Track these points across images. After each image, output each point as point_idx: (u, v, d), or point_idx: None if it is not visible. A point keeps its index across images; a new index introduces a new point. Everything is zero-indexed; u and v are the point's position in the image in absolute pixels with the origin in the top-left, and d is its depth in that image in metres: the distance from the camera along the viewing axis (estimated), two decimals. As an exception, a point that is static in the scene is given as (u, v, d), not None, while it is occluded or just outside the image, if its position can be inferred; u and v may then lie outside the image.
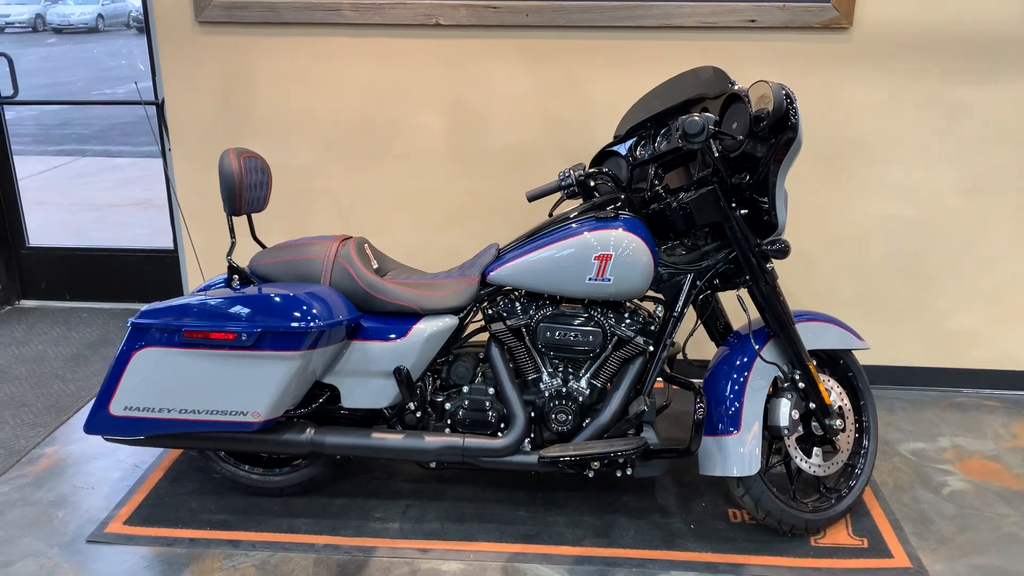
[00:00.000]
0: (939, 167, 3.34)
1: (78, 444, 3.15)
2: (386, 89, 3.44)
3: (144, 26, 3.62)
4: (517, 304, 2.61)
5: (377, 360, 2.58)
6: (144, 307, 2.47)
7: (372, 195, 3.58)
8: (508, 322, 2.60)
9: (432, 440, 2.59)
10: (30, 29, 24.71)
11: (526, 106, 3.42)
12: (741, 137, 2.37)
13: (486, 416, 2.64)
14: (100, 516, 2.76)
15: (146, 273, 4.35)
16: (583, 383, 2.63)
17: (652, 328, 2.59)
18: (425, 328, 2.59)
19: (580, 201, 2.75)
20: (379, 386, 2.61)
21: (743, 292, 2.61)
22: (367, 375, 2.60)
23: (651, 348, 2.60)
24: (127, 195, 7.06)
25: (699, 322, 2.75)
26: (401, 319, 2.61)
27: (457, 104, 3.44)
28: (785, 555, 2.58)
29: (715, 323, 2.78)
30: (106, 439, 2.59)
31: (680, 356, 2.81)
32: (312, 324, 2.39)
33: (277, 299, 2.43)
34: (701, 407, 2.51)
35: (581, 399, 2.61)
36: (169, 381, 2.45)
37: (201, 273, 3.49)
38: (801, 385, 2.60)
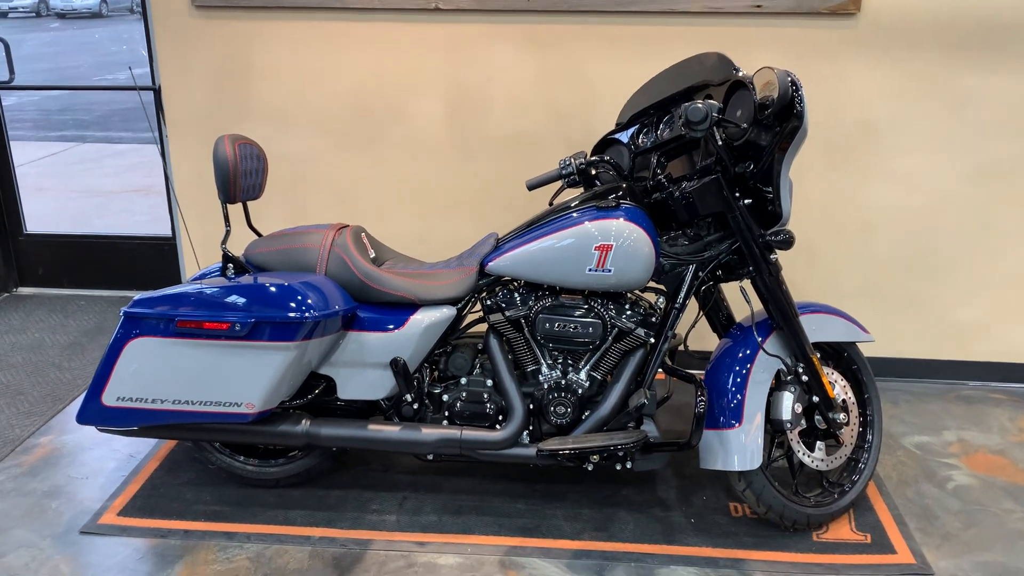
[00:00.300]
0: (947, 155, 3.29)
1: (73, 433, 3.12)
2: (385, 75, 3.39)
3: (142, 11, 3.57)
4: (516, 295, 2.57)
5: (373, 351, 2.54)
6: (137, 296, 2.44)
7: (371, 183, 3.53)
8: (507, 313, 2.56)
9: (429, 432, 2.55)
10: (33, 14, 24.64)
11: (527, 92, 3.36)
12: (745, 125, 2.32)
13: (484, 408, 2.60)
14: (94, 507, 2.73)
15: (144, 260, 4.31)
16: (583, 375, 2.58)
17: (653, 320, 2.55)
18: (422, 319, 2.55)
19: (581, 190, 2.70)
20: (375, 377, 2.57)
21: (746, 283, 2.56)
22: (363, 366, 2.56)
23: (652, 340, 2.56)
24: (128, 181, 7.02)
25: (701, 313, 2.71)
26: (398, 309, 2.57)
27: (457, 90, 3.39)
28: (787, 550, 2.54)
29: (717, 315, 2.74)
30: (99, 430, 2.56)
31: (682, 347, 2.77)
32: (307, 314, 2.35)
33: (272, 289, 2.39)
34: (702, 400, 2.47)
35: (580, 391, 2.57)
36: (162, 371, 2.41)
37: (197, 261, 3.45)
38: (804, 378, 2.55)
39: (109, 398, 2.45)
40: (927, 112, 3.25)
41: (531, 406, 2.59)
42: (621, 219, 2.45)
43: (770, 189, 2.38)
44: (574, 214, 2.50)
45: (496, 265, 2.55)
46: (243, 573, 2.44)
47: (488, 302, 2.59)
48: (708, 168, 2.44)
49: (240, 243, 2.78)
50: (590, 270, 2.46)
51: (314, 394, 2.61)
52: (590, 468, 2.58)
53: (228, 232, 2.55)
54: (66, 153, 8.10)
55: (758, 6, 3.14)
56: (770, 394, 2.55)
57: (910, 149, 3.29)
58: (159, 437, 2.60)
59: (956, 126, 3.25)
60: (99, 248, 4.35)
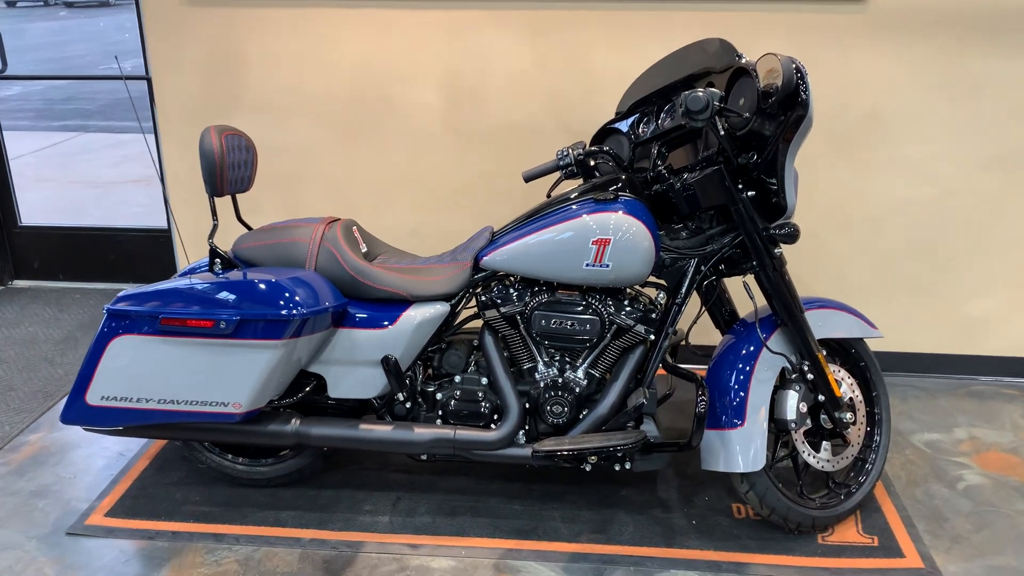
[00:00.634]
0: (958, 144, 3.19)
1: (63, 431, 3.07)
2: (380, 63, 3.30)
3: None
4: (511, 290, 2.49)
5: (364, 348, 2.47)
6: (121, 292, 2.37)
7: (367, 174, 3.45)
8: (502, 309, 2.48)
9: (422, 432, 2.48)
10: (42, 3, 24.64)
11: (527, 81, 3.27)
12: (747, 114, 2.23)
13: (479, 407, 2.53)
14: (82, 507, 2.67)
15: (140, 253, 4.25)
16: (580, 373, 2.51)
17: (653, 316, 2.46)
18: (415, 315, 2.47)
19: (580, 181, 2.62)
20: (367, 375, 2.50)
21: (750, 278, 2.47)
22: (354, 364, 2.49)
23: (652, 337, 2.47)
24: (128, 172, 6.96)
25: (703, 309, 2.62)
26: (390, 306, 2.49)
27: (454, 79, 3.30)
28: (791, 553, 2.47)
29: (720, 310, 2.66)
30: (85, 429, 2.50)
31: (683, 343, 2.69)
32: (295, 311, 2.28)
33: (258, 285, 2.32)
34: (703, 400, 2.38)
35: (578, 390, 2.49)
36: (147, 370, 2.34)
37: (186, 255, 3.38)
38: (810, 376, 2.47)
39: (93, 397, 2.38)
40: (937, 99, 3.14)
41: (527, 405, 2.51)
42: (620, 212, 2.36)
43: (774, 180, 2.29)
44: (571, 207, 2.42)
45: (491, 260, 2.47)
46: (231, 577, 2.38)
47: (483, 298, 2.51)
48: (710, 159, 2.36)
49: (232, 237, 2.70)
50: (587, 265, 2.37)
51: (304, 392, 2.54)
52: (588, 469, 2.51)
53: (215, 226, 2.48)
54: (68, 143, 8.05)
55: (764, -10, 3.04)
56: (774, 393, 2.46)
57: (920, 138, 3.19)
58: (145, 437, 2.54)
59: (967, 114, 3.15)
60: (95, 240, 4.29)
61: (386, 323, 2.46)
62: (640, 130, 2.60)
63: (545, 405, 2.49)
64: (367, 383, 2.51)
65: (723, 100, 2.22)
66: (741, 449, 2.38)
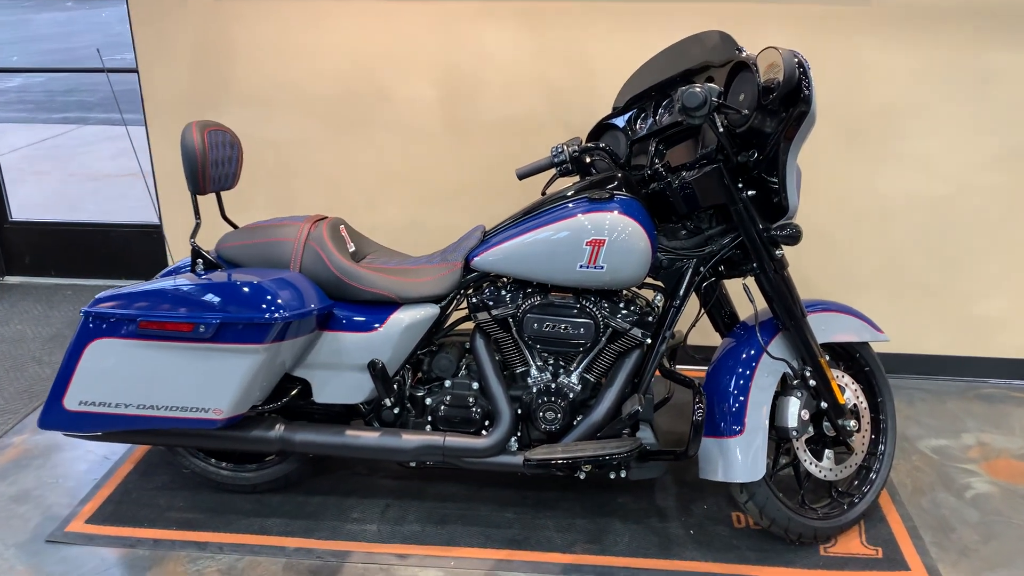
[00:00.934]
0: (968, 140, 3.08)
1: (47, 433, 2.99)
2: (373, 56, 3.21)
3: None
4: (503, 292, 2.40)
5: (350, 352, 2.39)
6: (100, 293, 2.29)
7: (360, 169, 3.37)
8: (494, 312, 2.40)
9: (410, 439, 2.40)
10: (48, -8, 24.53)
11: (524, 74, 3.18)
12: (746, 111, 2.13)
13: (469, 413, 2.45)
14: (63, 513, 2.60)
15: (132, 248, 4.17)
16: (574, 378, 2.42)
17: (650, 319, 2.37)
18: (403, 318, 2.39)
19: (577, 178, 2.53)
20: (353, 380, 2.42)
21: (750, 280, 2.38)
22: (340, 368, 2.41)
23: (649, 341, 2.39)
24: (126, 165, 6.88)
25: (703, 311, 2.53)
26: (377, 308, 2.41)
27: (450, 71, 3.21)
28: (792, 565, 2.38)
29: (720, 312, 2.57)
30: (64, 435, 2.42)
31: (682, 345, 2.61)
32: (277, 315, 2.20)
33: (240, 287, 2.24)
34: (700, 408, 2.30)
35: (572, 395, 2.41)
36: (125, 375, 2.27)
37: (170, 254, 3.31)
38: (812, 383, 2.38)
39: (71, 402, 2.31)
40: (947, 93, 3.04)
41: (519, 411, 2.43)
42: (615, 212, 2.27)
43: (775, 179, 2.20)
44: (565, 206, 2.33)
45: (482, 260, 2.39)
46: (212, 587, 2.31)
47: (474, 300, 2.42)
48: (709, 156, 2.26)
49: (217, 235, 2.62)
50: (581, 267, 2.29)
51: (288, 397, 2.46)
52: (582, 477, 2.43)
53: (198, 225, 2.41)
54: (68, 135, 7.98)
55: (768, -20, 2.94)
56: (775, 399, 2.38)
57: (929, 132, 3.08)
58: (125, 442, 2.47)
59: (978, 107, 3.04)
60: (87, 236, 4.22)
61: (373, 326, 2.38)
62: (637, 126, 2.51)
63: (538, 411, 2.41)
64: (353, 388, 2.43)
65: (722, 96, 2.12)
66: (740, 458, 2.30)
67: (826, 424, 2.42)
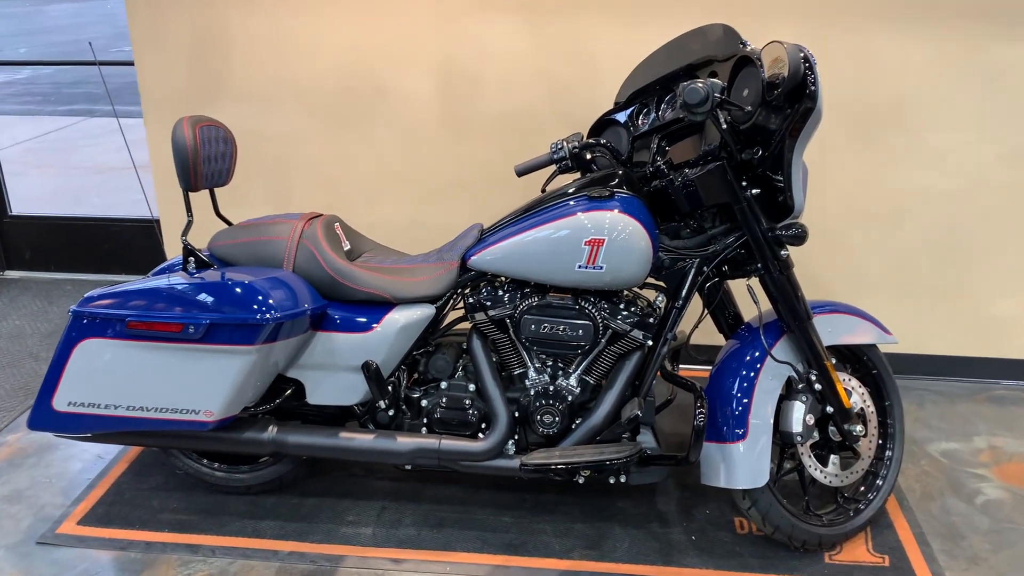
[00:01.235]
0: (983, 134, 3.00)
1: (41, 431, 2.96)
2: (371, 48, 3.15)
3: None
4: (501, 292, 2.35)
5: (344, 353, 2.34)
6: (88, 292, 2.25)
7: (358, 164, 3.31)
8: (491, 312, 2.34)
9: (405, 441, 2.35)
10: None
11: (524, 68, 3.11)
12: (750, 107, 2.06)
13: (466, 415, 2.39)
14: (55, 514, 2.57)
15: (134, 244, 4.14)
16: (573, 380, 2.36)
17: (651, 320, 2.31)
18: (398, 319, 2.33)
19: (578, 175, 2.47)
20: (347, 381, 2.37)
21: (754, 281, 2.32)
22: (334, 369, 2.36)
23: (650, 343, 2.33)
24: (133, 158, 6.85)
25: (706, 312, 2.47)
26: (372, 308, 2.36)
27: (448, 66, 3.15)
28: (796, 573, 2.32)
29: (723, 313, 2.50)
30: (55, 435, 2.39)
31: (684, 346, 2.55)
32: (268, 315, 2.15)
33: (230, 286, 2.19)
34: (702, 413, 2.24)
35: (570, 398, 2.35)
36: (114, 375, 2.22)
37: (164, 252, 3.26)
38: (818, 387, 2.32)
39: (60, 403, 2.27)
40: (961, 86, 2.96)
41: (516, 414, 2.37)
42: (615, 211, 2.21)
43: (780, 177, 2.13)
44: (566, 203, 2.27)
45: (478, 260, 2.33)
46: (203, 592, 2.28)
47: (471, 300, 2.36)
48: (712, 154, 2.20)
49: (212, 232, 2.57)
50: (580, 267, 2.23)
51: (282, 398, 2.41)
52: (581, 481, 2.37)
53: (190, 222, 2.36)
54: (74, 127, 7.96)
55: (775, -28, 2.86)
56: (779, 403, 2.31)
57: (942, 127, 3.01)
58: (115, 443, 2.43)
59: (993, 101, 2.96)
60: (87, 230, 4.19)
61: (367, 326, 2.33)
62: (639, 122, 2.45)
63: (535, 414, 2.35)
64: (347, 389, 2.38)
65: (725, 91, 2.05)
66: (743, 464, 2.24)
67: (832, 429, 2.35)
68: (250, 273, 2.26)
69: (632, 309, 2.31)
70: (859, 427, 2.33)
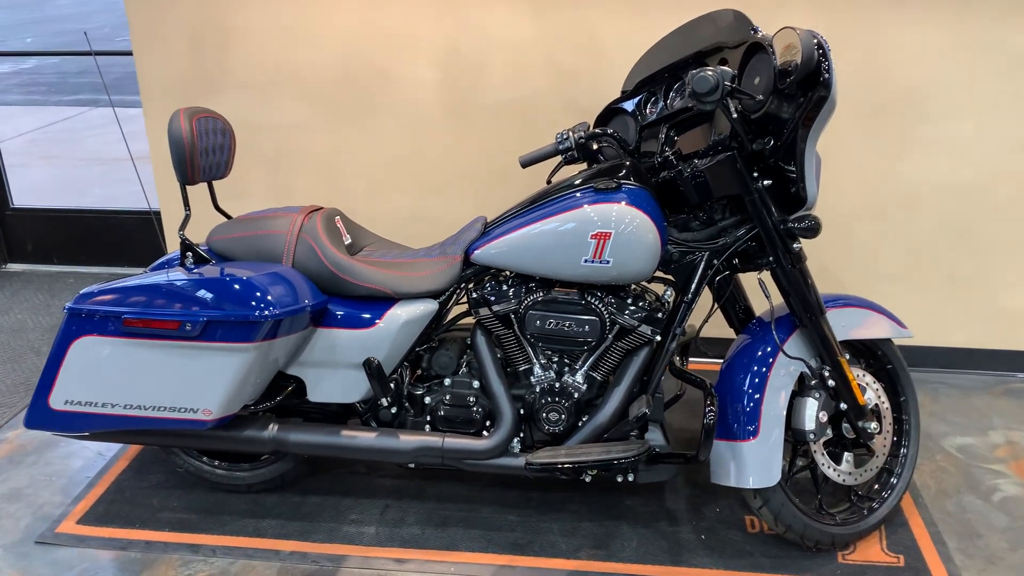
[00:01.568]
0: (999, 123, 2.93)
1: (42, 428, 2.92)
2: (373, 37, 3.09)
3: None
4: (505, 287, 2.29)
5: (345, 350, 2.29)
6: (84, 289, 2.20)
7: (359, 157, 3.25)
8: (495, 307, 2.29)
9: (408, 439, 2.30)
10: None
11: (530, 55, 3.04)
12: (762, 96, 2.00)
13: (470, 412, 2.34)
14: (54, 513, 2.53)
15: (136, 236, 4.10)
16: (579, 377, 2.31)
17: (660, 315, 2.25)
18: (400, 314, 2.28)
19: (585, 166, 2.41)
20: (349, 378, 2.32)
21: (765, 275, 2.25)
22: (335, 366, 2.31)
23: (658, 338, 2.27)
24: (135, 149, 6.80)
25: (716, 306, 2.41)
26: (374, 304, 2.30)
27: (452, 53, 3.08)
28: (809, 573, 2.27)
29: (734, 307, 2.45)
30: (52, 434, 2.35)
31: (694, 341, 2.49)
32: (267, 312, 2.10)
33: (228, 282, 2.14)
34: (712, 411, 2.18)
35: (577, 395, 2.30)
36: (110, 373, 2.18)
37: (163, 245, 3.21)
38: (831, 383, 2.25)
39: (56, 401, 2.23)
40: (977, 74, 2.88)
41: (522, 411, 2.32)
42: (622, 203, 2.15)
43: (793, 168, 2.06)
44: (572, 195, 2.21)
45: (482, 254, 2.27)
46: (203, 594, 2.24)
47: (474, 295, 2.31)
48: (722, 144, 2.13)
49: (211, 225, 2.52)
50: (586, 261, 2.17)
51: (282, 396, 2.36)
52: (588, 480, 2.32)
53: (187, 216, 2.31)
54: (78, 118, 7.92)
55: (787, -45, 2.79)
56: (792, 400, 2.25)
57: (958, 116, 2.93)
58: (114, 442, 2.40)
59: (1010, 89, 2.89)
60: (89, 223, 4.16)
61: (369, 322, 2.28)
62: (647, 111, 2.38)
63: (541, 411, 2.30)
64: (349, 387, 2.33)
65: (735, 79, 1.98)
66: (754, 462, 2.19)
67: (845, 426, 2.30)
68: (248, 268, 2.21)
69: (640, 304, 2.25)
70: (873, 424, 2.27)
